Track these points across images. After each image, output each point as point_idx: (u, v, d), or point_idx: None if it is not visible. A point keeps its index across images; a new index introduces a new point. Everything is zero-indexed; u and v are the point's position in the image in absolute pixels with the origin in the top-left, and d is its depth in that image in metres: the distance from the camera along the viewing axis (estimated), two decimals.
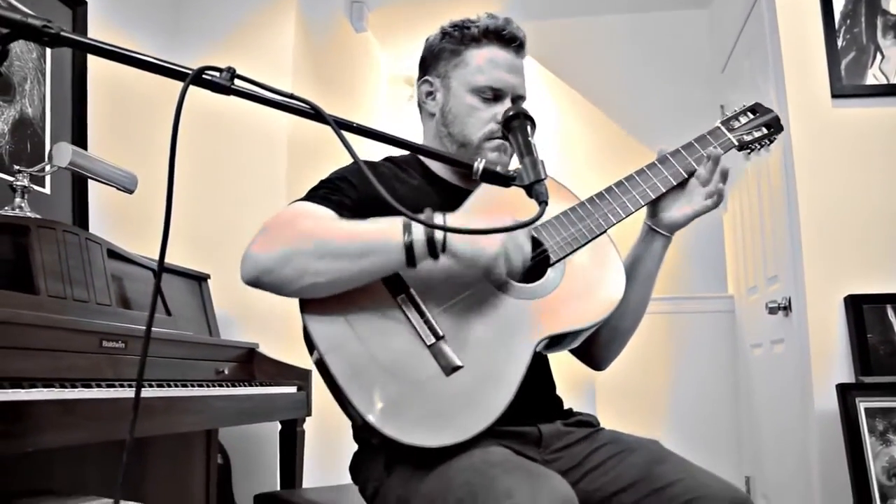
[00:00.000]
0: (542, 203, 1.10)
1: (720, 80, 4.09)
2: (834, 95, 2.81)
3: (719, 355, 3.93)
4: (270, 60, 3.29)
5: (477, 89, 1.52)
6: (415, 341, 1.30)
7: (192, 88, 1.04)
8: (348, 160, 1.58)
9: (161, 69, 1.07)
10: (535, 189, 1.12)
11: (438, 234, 1.24)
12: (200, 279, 2.77)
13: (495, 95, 1.52)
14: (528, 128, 1.27)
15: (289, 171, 3.14)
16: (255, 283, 1.29)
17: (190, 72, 1.05)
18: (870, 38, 2.83)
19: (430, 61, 1.61)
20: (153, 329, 2.09)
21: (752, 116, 1.65)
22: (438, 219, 1.23)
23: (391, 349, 1.29)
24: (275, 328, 2.85)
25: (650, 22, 4.52)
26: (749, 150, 1.64)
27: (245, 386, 2.31)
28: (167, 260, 2.59)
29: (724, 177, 1.52)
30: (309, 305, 1.30)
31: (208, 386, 2.09)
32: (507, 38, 1.53)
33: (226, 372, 2.41)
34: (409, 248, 1.24)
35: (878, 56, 2.82)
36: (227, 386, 2.21)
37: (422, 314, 1.31)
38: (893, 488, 2.37)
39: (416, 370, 1.28)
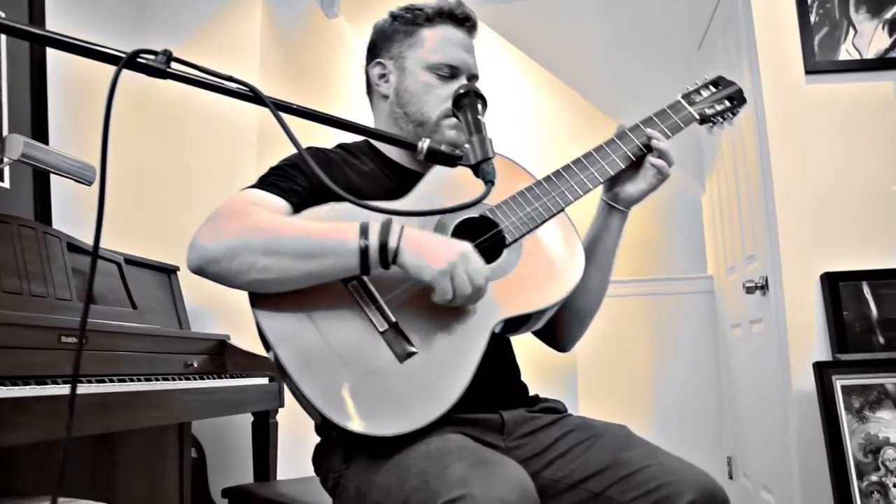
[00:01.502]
0: (489, 183, 1.07)
1: (696, 57, 4.06)
2: (807, 72, 2.79)
3: (700, 336, 3.92)
4: (237, 49, 3.23)
5: (433, 66, 1.51)
6: (367, 329, 1.27)
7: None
8: (319, 145, 1.57)
9: (94, 53, 1.03)
10: (482, 168, 1.09)
11: (392, 243, 1.21)
12: (169, 272, 2.73)
13: (452, 73, 1.52)
14: (479, 106, 1.23)
15: (258, 163, 3.09)
16: (199, 272, 1.26)
17: (123, 55, 1.01)
18: (842, 13, 2.81)
19: (382, 43, 1.59)
20: (116, 323, 2.07)
21: (714, 90, 1.63)
22: (394, 231, 1.22)
23: (343, 338, 1.26)
24: (247, 320, 2.76)
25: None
26: (711, 124, 1.62)
27: (214, 378, 2.27)
28: (134, 252, 2.57)
29: (665, 157, 1.51)
30: (258, 298, 1.27)
31: (174, 379, 2.06)
32: (460, 18, 1.54)
33: (195, 365, 2.37)
34: (363, 252, 1.21)
35: (851, 31, 2.79)
36: (196, 379, 2.18)
37: (374, 301, 1.28)
38: (870, 465, 2.36)
39: (369, 358, 1.25)
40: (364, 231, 1.22)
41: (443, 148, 1.11)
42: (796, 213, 2.72)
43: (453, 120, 1.47)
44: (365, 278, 1.29)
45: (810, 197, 2.72)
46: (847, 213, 2.69)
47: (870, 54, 2.77)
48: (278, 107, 1.02)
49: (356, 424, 1.19)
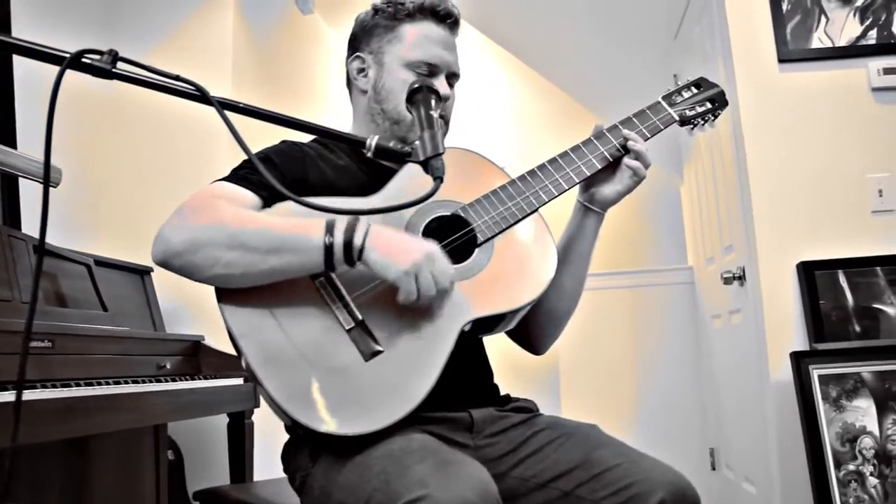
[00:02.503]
0: (437, 179, 1.05)
1: (673, 47, 4.05)
2: (780, 60, 2.78)
3: (681, 327, 3.92)
4: (209, 52, 3.19)
5: (411, 64, 1.49)
6: (333, 326, 1.25)
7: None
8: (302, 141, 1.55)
9: (37, 53, 1.01)
10: (431, 164, 1.08)
11: (357, 240, 1.20)
12: (143, 273, 2.70)
13: (430, 71, 1.50)
14: (432, 100, 1.22)
15: (231, 162, 3.06)
16: (163, 264, 1.24)
17: (67, 55, 0.99)
18: (814, 2, 2.80)
19: (362, 37, 1.57)
20: (85, 326, 2.04)
21: (695, 91, 1.62)
22: (360, 229, 1.20)
23: (308, 334, 1.24)
24: (222, 320, 2.77)
25: None
26: (692, 126, 1.61)
27: (188, 380, 2.25)
28: (107, 255, 2.53)
29: (641, 159, 1.49)
30: (225, 292, 1.26)
31: (145, 382, 2.03)
32: (442, 15, 1.52)
33: (168, 367, 2.35)
34: (328, 249, 1.19)
35: (823, 19, 2.79)
36: (168, 381, 2.16)
37: (341, 297, 1.27)
38: (847, 454, 2.36)
39: (334, 356, 1.23)
40: (330, 228, 1.20)
41: (391, 145, 1.09)
42: (772, 203, 2.71)
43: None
44: (332, 275, 1.27)
45: (785, 186, 2.71)
46: (822, 201, 2.69)
47: (842, 42, 2.77)
48: (225, 106, 1.00)
49: (319, 423, 1.18)
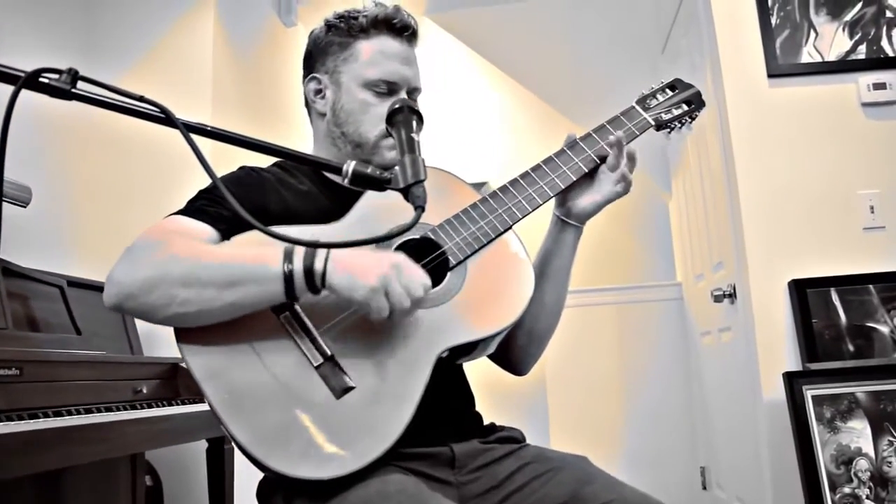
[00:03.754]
0: (419, 208, 0.98)
1: (660, 60, 4.02)
2: (770, 75, 2.75)
3: (670, 344, 3.87)
4: (189, 68, 3.12)
5: (369, 83, 1.41)
6: (301, 363, 1.18)
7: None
8: (267, 164, 1.48)
9: None
10: (412, 192, 1.01)
11: (318, 266, 1.12)
12: None
13: (390, 89, 1.42)
14: (413, 122, 1.15)
15: (206, 181, 3.00)
16: (117, 308, 1.16)
17: (22, 74, 0.93)
18: (803, 16, 2.77)
19: (318, 56, 1.48)
20: (57, 351, 1.97)
21: (670, 93, 1.55)
22: (320, 253, 1.13)
23: (275, 374, 1.16)
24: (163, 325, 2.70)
25: (591, 2, 4.43)
26: (669, 129, 1.54)
27: (165, 405, 2.18)
28: (83, 275, 2.46)
29: (632, 161, 1.43)
30: (184, 332, 1.18)
31: (119, 409, 1.96)
32: (398, 28, 1.43)
33: (144, 391, 2.26)
34: (288, 278, 1.12)
35: (812, 33, 2.76)
36: (144, 407, 2.08)
37: (308, 332, 1.19)
38: (842, 476, 2.31)
39: (303, 394, 1.16)
40: (288, 255, 1.13)
41: (369, 171, 1.02)
42: (762, 219, 2.67)
43: (392, 140, 1.40)
44: (297, 308, 1.20)
45: (775, 202, 2.67)
46: (813, 217, 2.65)
47: (831, 56, 2.74)
48: (190, 128, 0.94)
49: (290, 467, 1.10)
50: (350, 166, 1.02)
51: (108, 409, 1.93)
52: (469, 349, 1.30)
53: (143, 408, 2.08)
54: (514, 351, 1.49)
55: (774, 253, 2.65)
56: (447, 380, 1.36)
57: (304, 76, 1.52)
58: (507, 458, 1.32)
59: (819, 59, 2.73)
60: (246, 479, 2.64)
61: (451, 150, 3.99)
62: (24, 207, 2.03)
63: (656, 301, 3.93)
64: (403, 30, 1.43)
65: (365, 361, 1.20)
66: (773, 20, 2.77)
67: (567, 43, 4.45)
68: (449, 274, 1.31)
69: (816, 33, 2.75)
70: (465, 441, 1.33)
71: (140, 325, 2.65)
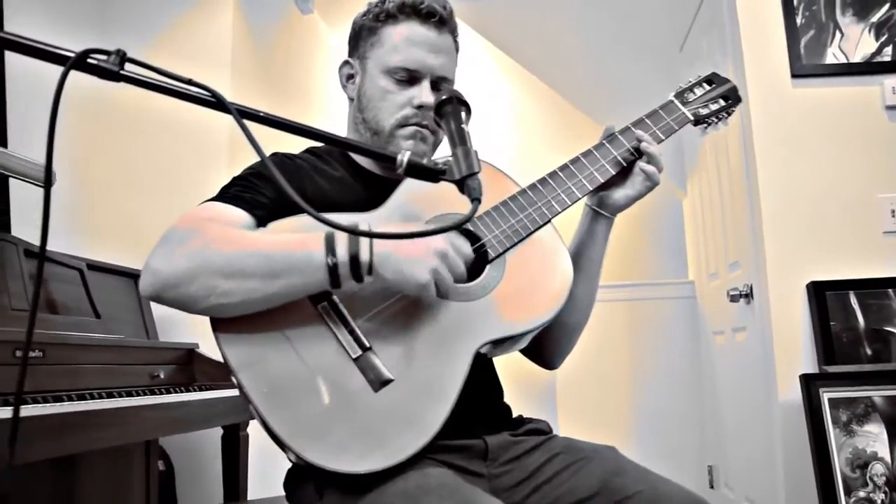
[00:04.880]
0: (475, 200, 0.97)
1: (678, 59, 4.00)
2: (793, 75, 2.73)
3: (681, 342, 3.86)
4: (207, 51, 3.12)
5: (390, 70, 1.38)
6: (339, 354, 1.17)
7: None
8: (295, 150, 1.46)
9: (40, 53, 0.93)
10: (468, 184, 0.99)
11: (364, 256, 1.11)
12: (136, 276, 2.61)
13: (410, 77, 1.39)
14: (462, 114, 1.13)
15: (229, 166, 2.99)
16: (155, 298, 1.15)
17: (72, 55, 0.91)
18: (829, 16, 2.75)
19: (352, 41, 1.48)
20: (77, 334, 1.96)
21: (707, 87, 1.53)
22: (364, 242, 1.12)
23: (312, 364, 1.15)
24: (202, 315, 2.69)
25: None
26: (706, 125, 1.52)
27: (182, 391, 2.17)
28: (100, 258, 2.45)
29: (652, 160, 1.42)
30: (220, 321, 1.17)
31: (138, 394, 1.95)
32: (425, 13, 1.39)
33: (161, 376, 2.26)
34: (332, 269, 1.11)
35: (838, 34, 2.74)
36: (161, 392, 2.08)
37: (346, 324, 1.18)
38: (858, 480, 2.30)
39: (340, 386, 1.15)
40: (330, 243, 1.12)
41: (424, 162, 1.01)
42: (782, 220, 2.66)
43: (409, 129, 1.38)
44: (336, 299, 1.19)
45: (796, 204, 2.66)
46: (833, 220, 2.63)
47: (856, 58, 2.72)
48: (243, 114, 0.93)
49: (328, 460, 1.09)
50: (405, 156, 1.01)
51: (128, 394, 1.92)
52: (505, 343, 1.29)
53: (160, 393, 2.07)
54: (546, 345, 1.48)
55: (793, 254, 2.64)
56: (480, 372, 1.35)
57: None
58: (537, 450, 1.32)
59: (844, 61, 2.71)
60: (258, 466, 2.64)
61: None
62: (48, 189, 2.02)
63: (668, 299, 3.92)
64: (431, 15, 1.39)
65: (403, 354, 1.19)
66: (799, 20, 2.75)
67: (582, 37, 4.41)
68: (488, 266, 1.30)
69: (842, 34, 2.73)
70: (497, 433, 1.33)
71: (156, 309, 2.64)
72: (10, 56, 2.44)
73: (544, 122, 4.39)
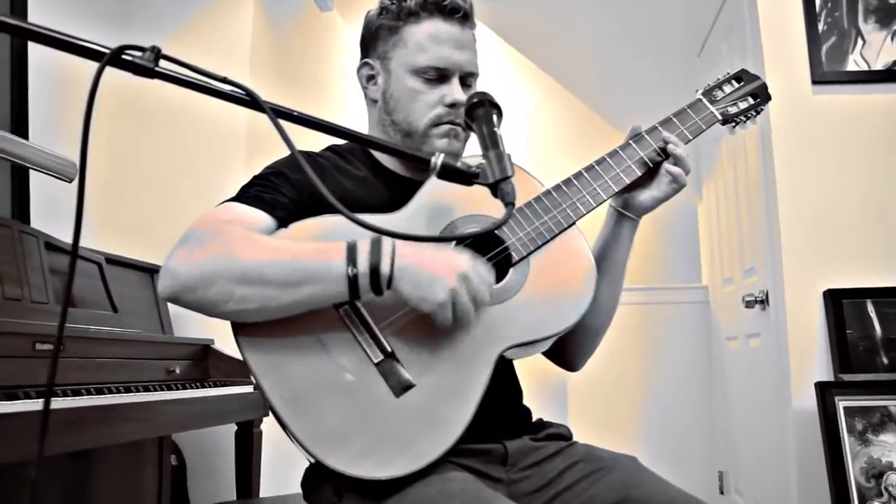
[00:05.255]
0: (509, 205, 0.96)
1: (696, 63, 3.99)
2: (814, 82, 2.72)
3: (693, 347, 3.85)
4: (227, 44, 3.12)
5: (419, 70, 1.34)
6: (361, 359, 1.16)
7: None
8: (312, 149, 1.45)
9: (76, 48, 0.93)
10: (501, 188, 0.99)
11: (384, 269, 1.09)
12: (152, 271, 2.62)
13: (440, 75, 1.35)
14: (494, 117, 1.12)
15: (247, 160, 2.99)
16: (173, 300, 1.14)
17: (107, 51, 0.91)
18: (851, 23, 2.74)
19: (370, 41, 1.43)
20: (94, 328, 1.96)
21: (737, 85, 1.49)
22: (386, 254, 1.10)
23: (334, 370, 1.15)
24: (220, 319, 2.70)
25: (626, 1, 4.40)
26: (734, 124, 1.48)
27: (197, 387, 2.17)
28: (117, 252, 2.46)
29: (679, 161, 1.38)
30: (242, 325, 1.16)
31: (155, 389, 1.96)
32: (448, 9, 1.35)
33: (177, 371, 2.27)
34: (352, 280, 1.09)
35: (860, 41, 2.73)
36: (178, 388, 2.08)
37: (368, 328, 1.17)
38: (872, 489, 2.29)
39: (362, 392, 1.14)
40: (352, 254, 1.10)
41: (459, 165, 1.01)
42: (799, 227, 2.65)
43: (443, 128, 1.35)
44: (357, 303, 1.18)
45: (814, 210, 2.65)
46: (851, 228, 2.62)
47: (878, 66, 2.71)
48: (277, 113, 0.93)
49: (351, 466, 1.10)
50: (439, 159, 1.00)
51: (146, 389, 1.92)
52: (527, 347, 1.28)
53: (176, 388, 2.07)
54: (568, 347, 1.46)
55: (810, 261, 2.63)
56: (500, 374, 1.34)
57: (360, 60, 1.47)
58: (557, 457, 1.31)
59: (865, 68, 2.70)
60: (271, 463, 2.64)
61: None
62: (69, 182, 2.02)
63: (681, 303, 3.91)
64: (454, 11, 1.36)
65: (425, 359, 1.18)
66: (821, 26, 2.73)
67: (599, 39, 4.42)
68: (511, 270, 1.28)
69: (864, 41, 2.72)
70: (517, 438, 1.32)
71: (171, 304, 2.64)
72: (32, 48, 2.45)
73: (559, 122, 4.38)
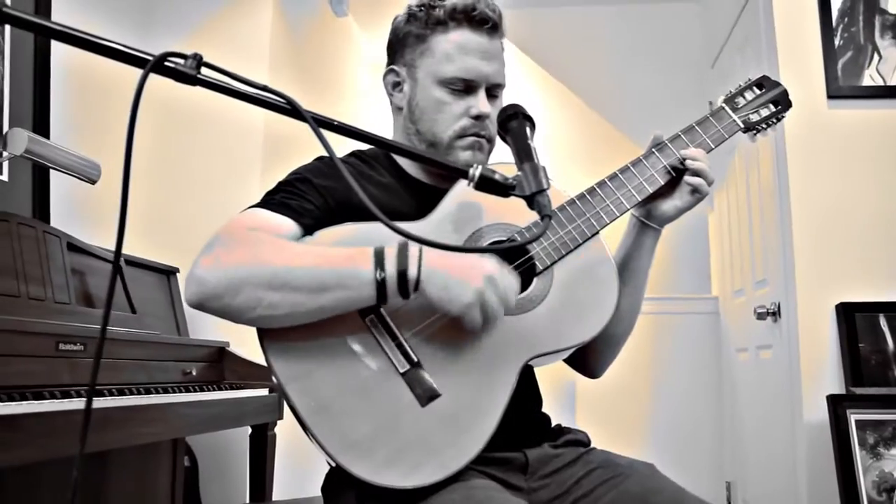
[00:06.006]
0: (545, 217, 0.97)
1: (709, 75, 4.01)
2: (830, 96, 2.73)
3: (703, 358, 3.85)
4: (246, 48, 3.15)
5: (445, 81, 1.35)
6: (387, 368, 1.17)
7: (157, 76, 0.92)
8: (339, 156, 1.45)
9: (120, 55, 0.95)
10: (538, 200, 1.00)
11: (412, 272, 1.11)
12: (169, 273, 2.64)
13: (467, 86, 1.35)
14: (528, 129, 1.14)
15: (264, 162, 3.01)
16: (199, 307, 1.14)
17: (151, 58, 0.93)
18: (867, 38, 2.75)
19: (397, 47, 1.43)
20: (115, 329, 1.98)
21: (758, 92, 1.49)
22: (413, 258, 1.11)
23: (360, 378, 1.16)
24: (246, 326, 2.71)
25: (640, 13, 4.43)
26: (755, 132, 1.48)
27: (213, 389, 2.19)
28: (133, 253, 2.47)
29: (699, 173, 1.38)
30: (268, 332, 1.17)
31: (174, 391, 1.97)
32: (477, 20, 1.34)
33: (193, 373, 2.28)
34: (380, 284, 1.10)
35: (876, 56, 2.74)
36: (195, 390, 2.09)
37: (394, 338, 1.18)
38: (883, 503, 2.30)
39: (388, 401, 1.15)
40: (380, 258, 1.11)
41: (497, 177, 1.02)
42: (813, 240, 2.66)
43: (468, 140, 1.36)
44: (383, 312, 1.19)
45: (827, 224, 2.66)
46: (865, 242, 2.63)
47: (893, 81, 2.72)
48: (318, 122, 0.94)
49: (376, 475, 1.11)
50: (477, 170, 1.01)
51: (164, 391, 1.94)
52: (549, 356, 1.29)
53: (193, 391, 2.09)
54: (590, 355, 1.48)
55: (823, 274, 2.64)
56: (522, 383, 1.35)
57: (386, 66, 1.47)
58: (575, 464, 1.32)
59: (881, 83, 2.71)
60: (284, 467, 2.65)
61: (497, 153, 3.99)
62: (92, 184, 2.04)
63: (691, 313, 3.91)
64: (483, 22, 1.35)
65: (450, 368, 1.19)
66: (837, 41, 2.75)
67: (614, 50, 4.44)
68: (535, 279, 1.29)
69: (880, 57, 2.73)
70: (537, 446, 1.34)
71: (187, 306, 2.66)
72: (55, 47, 2.47)
73: (573, 132, 4.39)
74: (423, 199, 1.35)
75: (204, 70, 0.95)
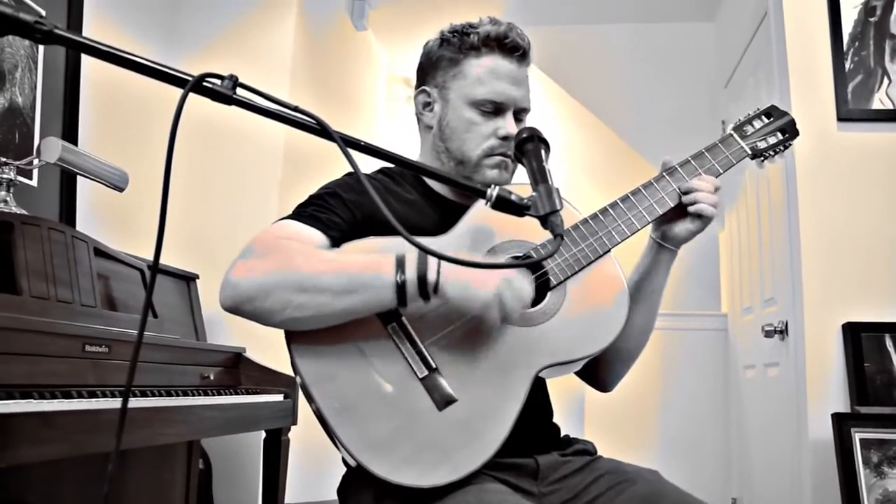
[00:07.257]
0: (558, 236, 1.03)
1: (723, 95, 4.05)
2: (840, 118, 2.77)
3: (711, 373, 3.89)
4: (269, 59, 3.22)
5: (476, 102, 1.42)
6: (406, 373, 1.24)
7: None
8: (346, 169, 1.51)
9: (160, 74, 1.01)
10: (551, 220, 1.06)
11: (431, 276, 1.18)
12: (189, 279, 2.70)
13: (496, 109, 1.43)
14: (543, 152, 1.20)
15: (283, 173, 3.08)
16: (233, 310, 1.22)
17: (190, 78, 0.99)
18: (877, 62, 2.80)
19: (429, 69, 1.51)
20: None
21: (766, 121, 1.53)
22: (433, 263, 1.18)
23: (382, 382, 1.23)
24: (262, 332, 2.73)
25: (655, 33, 4.48)
26: (763, 158, 1.53)
27: (231, 393, 2.24)
28: (150, 258, 2.53)
29: (716, 190, 1.44)
30: (295, 335, 1.25)
31: (193, 394, 2.03)
32: (509, 47, 1.43)
33: (211, 378, 2.34)
34: (401, 287, 1.17)
35: (886, 80, 2.78)
36: (213, 393, 2.15)
37: (414, 344, 1.26)
38: None
39: (407, 404, 1.22)
40: (401, 263, 1.18)
41: (513, 198, 1.08)
42: (821, 260, 2.70)
43: (495, 159, 1.43)
44: (405, 320, 1.26)
45: (836, 244, 2.70)
46: (873, 263, 2.67)
47: None
48: (346, 142, 1.00)
49: (395, 475, 1.17)
50: (494, 191, 1.07)
51: (185, 393, 1.99)
52: (561, 367, 1.35)
53: (211, 394, 2.14)
54: (602, 368, 1.54)
55: (830, 294, 2.67)
56: (534, 393, 1.40)
57: (416, 86, 1.54)
58: (584, 470, 1.38)
59: (891, 107, 2.75)
60: (296, 472, 2.70)
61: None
62: (120, 192, 2.11)
63: (700, 330, 3.95)
64: (514, 49, 1.43)
65: (467, 375, 1.26)
66: (847, 65, 2.79)
67: (629, 69, 4.49)
68: (549, 293, 1.36)
69: (890, 80, 2.77)
70: (547, 453, 1.39)
71: (205, 311, 2.72)
72: (85, 59, 2.55)
73: (588, 150, 4.45)
74: (445, 215, 1.41)
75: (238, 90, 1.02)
